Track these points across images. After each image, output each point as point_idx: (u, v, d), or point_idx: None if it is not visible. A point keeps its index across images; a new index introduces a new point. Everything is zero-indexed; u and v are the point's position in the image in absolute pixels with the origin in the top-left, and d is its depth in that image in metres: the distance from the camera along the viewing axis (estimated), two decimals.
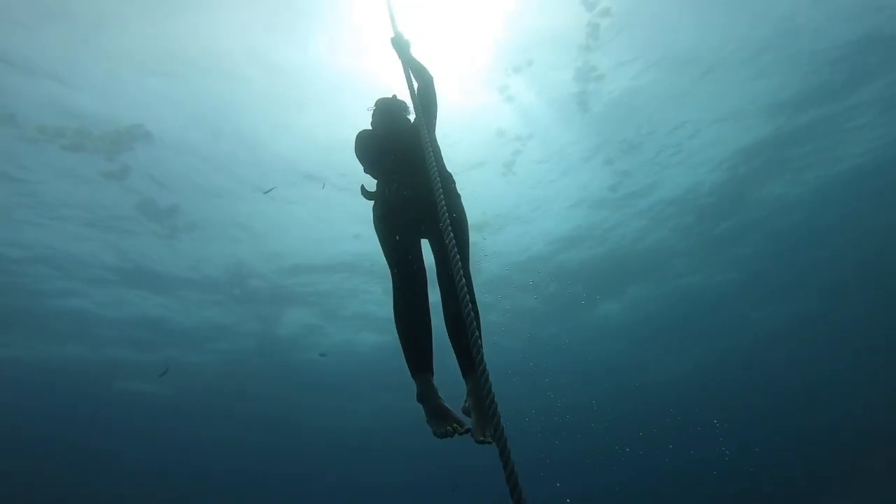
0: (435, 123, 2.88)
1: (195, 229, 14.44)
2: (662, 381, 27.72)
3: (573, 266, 18.67)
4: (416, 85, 2.79)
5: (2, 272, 14.63)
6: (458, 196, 2.74)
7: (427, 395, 2.27)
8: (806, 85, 12.60)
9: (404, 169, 2.63)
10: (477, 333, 1.73)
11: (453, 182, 2.77)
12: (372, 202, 2.74)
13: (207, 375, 21.87)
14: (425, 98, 2.80)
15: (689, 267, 19.81)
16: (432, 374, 2.35)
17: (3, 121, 10.55)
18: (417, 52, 2.96)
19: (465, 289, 1.81)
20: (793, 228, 18.35)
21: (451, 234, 1.90)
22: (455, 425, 2.09)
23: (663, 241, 18.14)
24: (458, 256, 1.87)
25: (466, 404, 2.26)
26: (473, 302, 2.36)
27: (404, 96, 2.91)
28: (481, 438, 2.01)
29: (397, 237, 2.57)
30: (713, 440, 29.74)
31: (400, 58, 2.89)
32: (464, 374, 2.30)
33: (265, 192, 12.43)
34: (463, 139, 13.24)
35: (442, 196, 2.04)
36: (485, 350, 2.40)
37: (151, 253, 14.99)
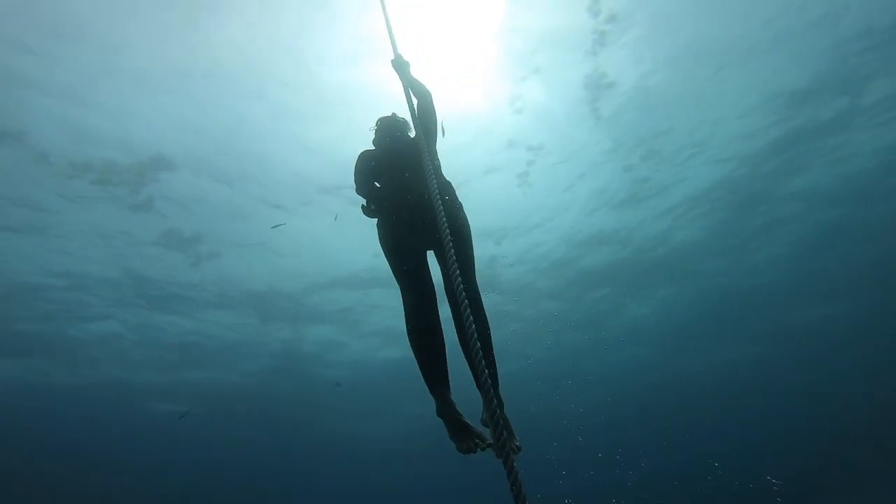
0: (436, 138, 2.99)
1: (218, 256, 14.91)
2: (692, 382, 26.92)
3: (598, 270, 18.49)
4: (415, 102, 2.96)
5: (40, 300, 15.36)
6: (460, 205, 2.79)
7: (445, 410, 2.29)
8: (831, 73, 12.24)
9: (404, 183, 2.71)
10: (478, 346, 1.76)
11: (453, 190, 2.83)
12: (375, 220, 2.81)
13: (233, 395, 22.41)
14: (425, 115, 2.92)
15: (718, 267, 19.30)
16: (449, 389, 2.37)
17: (38, 159, 11.22)
18: (416, 72, 3.15)
19: (467, 301, 1.85)
20: (828, 223, 17.67)
21: (452, 249, 1.95)
22: (477, 441, 2.12)
23: (689, 240, 17.76)
24: (459, 271, 1.91)
25: (484, 416, 2.30)
26: (479, 312, 2.44)
27: (404, 113, 3.10)
28: (502, 456, 2.00)
29: (403, 253, 2.62)
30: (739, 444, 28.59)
31: (400, 78, 3.06)
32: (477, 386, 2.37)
33: (273, 228, 12.82)
34: (475, 148, 13.43)
35: (441, 207, 2.10)
36: (501, 360, 2.43)
37: (178, 278, 15.57)
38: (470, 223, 2.76)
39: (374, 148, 3.08)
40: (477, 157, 13.63)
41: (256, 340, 19.37)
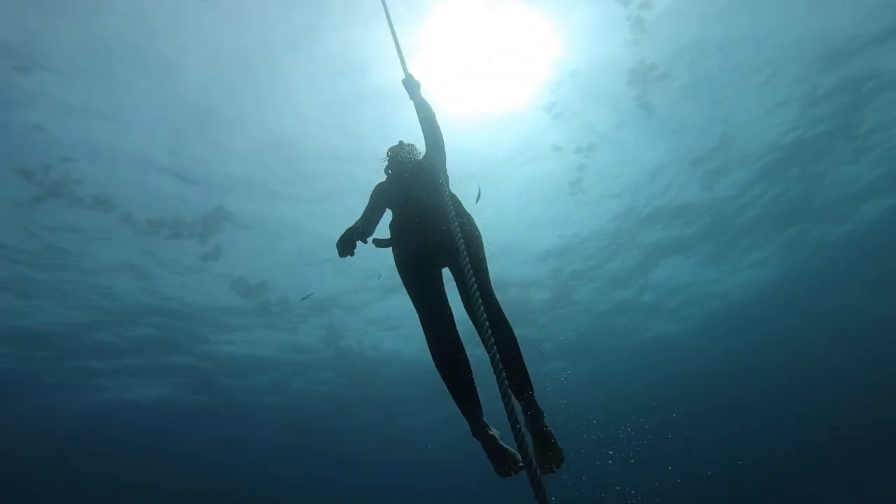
0: (444, 155, 3.20)
1: (285, 303, 15.78)
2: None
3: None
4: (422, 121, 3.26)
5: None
6: (469, 216, 2.91)
7: (480, 432, 2.29)
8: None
9: (414, 203, 2.83)
10: (497, 359, 1.72)
11: (460, 202, 2.97)
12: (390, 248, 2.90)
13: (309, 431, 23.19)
14: (431, 133, 3.18)
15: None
16: (481, 411, 2.35)
17: (122, 219, 12.67)
18: (426, 91, 3.42)
19: (485, 315, 1.84)
20: None
21: (468, 259, 1.99)
22: (513, 465, 2.13)
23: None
24: (476, 281, 1.93)
25: (527, 428, 2.28)
26: (500, 322, 2.43)
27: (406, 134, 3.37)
28: (544, 471, 2.07)
29: (420, 276, 2.68)
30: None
31: (411, 97, 3.35)
32: (516, 397, 2.31)
33: (303, 299, 13.24)
34: (521, 163, 13.31)
35: (453, 212, 2.17)
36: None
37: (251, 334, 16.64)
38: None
39: (385, 178, 3.28)
40: (522, 170, 13.55)
41: (327, 379, 20.06)
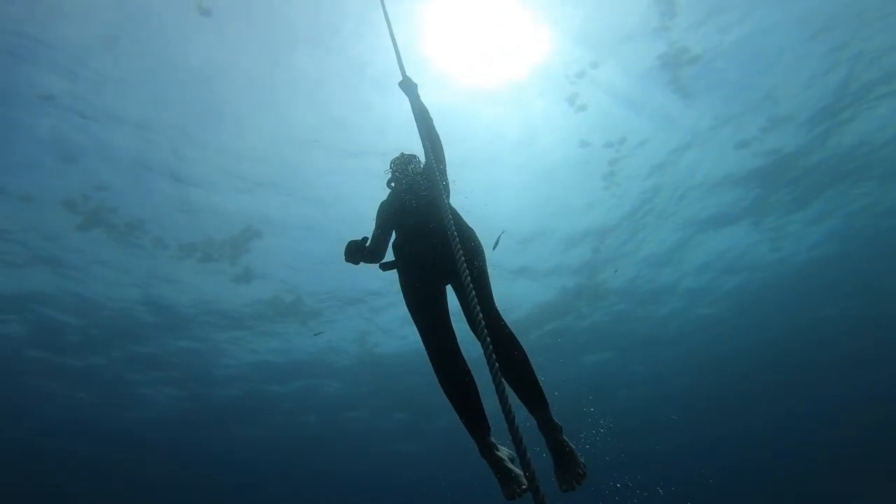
0: (444, 161, 3.12)
1: (321, 315, 15.98)
2: None
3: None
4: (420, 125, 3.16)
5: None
6: (471, 230, 2.87)
7: (485, 453, 2.27)
8: None
9: (416, 216, 2.83)
10: (500, 376, 1.65)
11: (461, 216, 2.93)
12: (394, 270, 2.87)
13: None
14: (430, 139, 3.04)
15: None
16: (489, 431, 2.31)
17: (155, 244, 13.14)
18: (423, 93, 3.35)
19: (486, 331, 1.78)
20: None
21: (466, 271, 1.91)
22: (517, 488, 2.09)
23: None
24: (476, 295, 1.87)
25: (548, 446, 2.26)
26: (506, 338, 2.39)
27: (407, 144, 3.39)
28: (564, 488, 2.06)
29: (424, 296, 2.65)
30: None
31: (408, 98, 3.28)
32: (531, 413, 2.31)
33: (315, 335, 13.14)
34: (549, 161, 12.90)
35: (450, 216, 2.11)
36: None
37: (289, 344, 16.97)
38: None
39: (389, 192, 3.29)
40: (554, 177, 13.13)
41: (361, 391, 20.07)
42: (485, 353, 1.77)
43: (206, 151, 11.43)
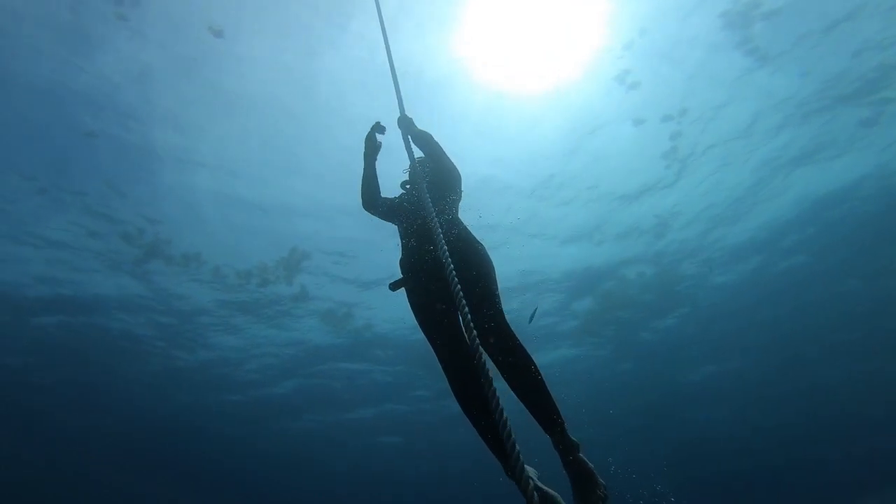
0: (459, 192, 3.17)
1: (370, 328, 16.25)
2: None
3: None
4: (420, 152, 3.25)
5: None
6: (480, 244, 2.74)
7: (511, 474, 2.19)
8: None
9: (418, 239, 2.77)
10: (498, 404, 1.61)
11: (468, 232, 2.82)
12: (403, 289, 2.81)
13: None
14: (440, 169, 3.11)
15: None
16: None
17: (213, 275, 13.83)
18: (419, 125, 3.35)
19: (479, 349, 1.75)
20: None
21: (459, 286, 1.89)
22: None
23: None
24: (472, 314, 1.86)
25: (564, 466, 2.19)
26: (518, 355, 2.31)
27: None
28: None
29: (434, 318, 2.55)
30: None
31: (405, 135, 3.19)
32: (547, 432, 2.24)
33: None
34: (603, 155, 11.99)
35: (441, 232, 2.10)
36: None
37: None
38: None
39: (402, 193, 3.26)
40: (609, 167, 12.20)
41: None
42: (479, 371, 1.70)
43: (247, 174, 11.73)
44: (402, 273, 2.76)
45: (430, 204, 2.31)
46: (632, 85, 10.65)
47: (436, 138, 3.27)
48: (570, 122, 11.39)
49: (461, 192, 3.19)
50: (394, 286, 2.76)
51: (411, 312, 2.69)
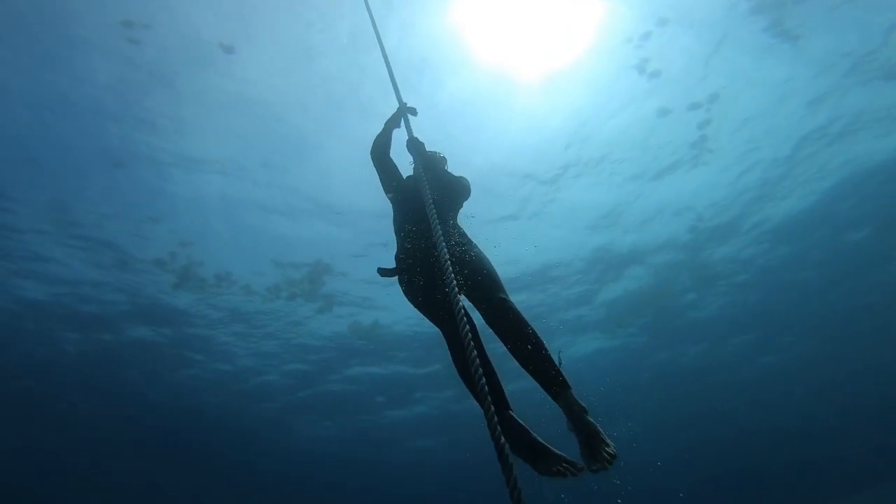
0: (463, 198, 3.23)
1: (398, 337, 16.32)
2: None
3: None
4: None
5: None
6: (475, 245, 2.90)
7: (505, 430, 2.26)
8: None
9: (414, 230, 2.88)
10: (481, 373, 1.73)
11: (468, 238, 2.96)
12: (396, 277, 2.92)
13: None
14: (445, 185, 3.11)
15: None
16: (510, 408, 2.32)
17: (243, 291, 14.12)
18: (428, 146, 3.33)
19: (465, 319, 1.90)
20: None
21: (452, 277, 1.99)
22: (563, 466, 2.04)
23: None
24: (458, 296, 1.94)
25: (569, 425, 2.22)
26: (515, 319, 2.44)
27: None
28: (595, 468, 1.99)
29: (427, 304, 2.68)
30: None
31: (416, 159, 3.14)
32: (555, 400, 2.28)
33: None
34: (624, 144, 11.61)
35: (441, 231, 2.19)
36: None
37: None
38: None
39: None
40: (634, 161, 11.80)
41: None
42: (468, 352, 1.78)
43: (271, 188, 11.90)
44: (397, 264, 2.87)
45: (438, 226, 2.27)
46: (653, 73, 10.23)
47: (447, 162, 3.37)
48: (587, 109, 11.07)
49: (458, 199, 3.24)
50: (384, 273, 2.86)
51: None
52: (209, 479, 27.39)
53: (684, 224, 13.93)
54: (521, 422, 2.24)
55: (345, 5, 9.06)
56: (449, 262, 2.05)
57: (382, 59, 3.55)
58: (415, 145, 3.16)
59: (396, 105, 3.33)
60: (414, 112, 3.36)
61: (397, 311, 15.08)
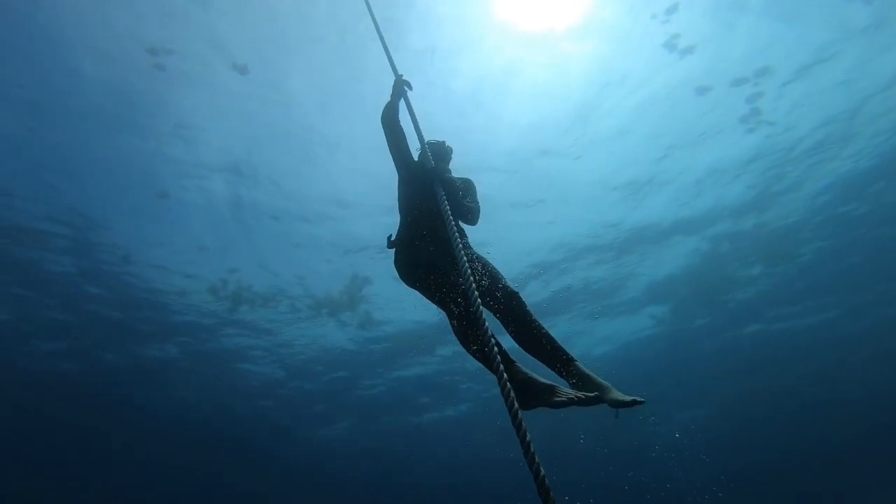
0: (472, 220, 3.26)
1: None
2: None
3: None
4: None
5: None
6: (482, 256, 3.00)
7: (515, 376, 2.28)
8: None
9: (424, 216, 2.95)
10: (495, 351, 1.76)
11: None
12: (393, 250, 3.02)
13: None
14: (466, 211, 3.15)
15: None
16: (513, 361, 2.30)
17: (288, 308, 14.62)
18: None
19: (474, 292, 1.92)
20: None
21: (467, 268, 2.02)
22: (571, 394, 2.06)
23: None
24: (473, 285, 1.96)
25: (573, 382, 2.26)
26: (522, 307, 2.59)
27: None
28: (624, 398, 2.04)
29: (429, 282, 2.72)
30: None
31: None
32: (563, 376, 2.34)
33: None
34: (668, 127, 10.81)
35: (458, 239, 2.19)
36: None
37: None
38: None
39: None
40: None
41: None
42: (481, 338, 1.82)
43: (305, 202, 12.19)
44: (402, 244, 2.95)
45: (457, 238, 2.24)
46: (685, 50, 9.42)
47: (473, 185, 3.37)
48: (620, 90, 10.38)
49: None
50: (391, 244, 2.99)
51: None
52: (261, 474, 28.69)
53: (740, 190, 12.74)
54: (525, 370, 2.25)
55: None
56: (458, 238, 2.17)
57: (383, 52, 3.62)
58: (399, 87, 3.31)
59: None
60: (409, 86, 3.35)
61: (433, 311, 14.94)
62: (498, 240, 12.26)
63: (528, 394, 2.11)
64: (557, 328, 16.33)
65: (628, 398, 2.01)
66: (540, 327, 2.45)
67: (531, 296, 15.48)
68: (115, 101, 9.41)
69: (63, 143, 9.87)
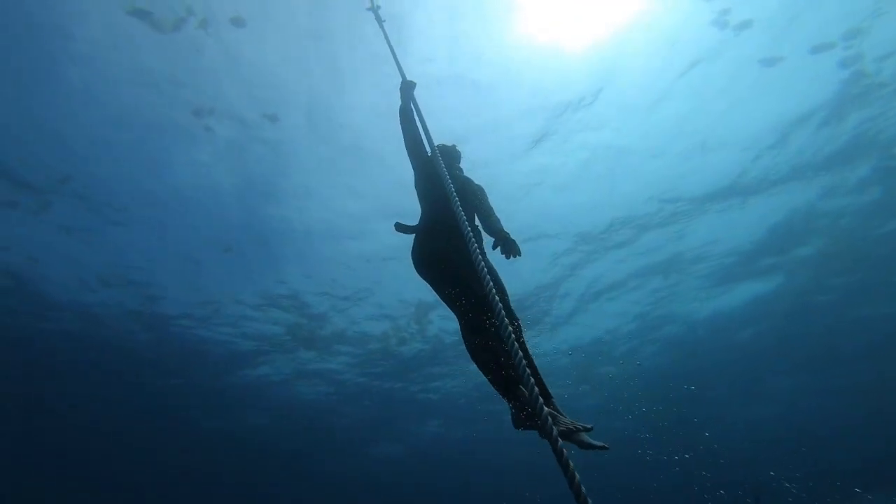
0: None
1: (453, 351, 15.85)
2: None
3: None
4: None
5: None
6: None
7: (520, 424, 2.31)
8: None
9: (446, 219, 2.92)
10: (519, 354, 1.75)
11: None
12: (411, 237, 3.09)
13: None
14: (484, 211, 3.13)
15: None
16: (517, 384, 2.39)
17: (307, 345, 15.10)
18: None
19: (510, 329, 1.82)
20: None
21: (490, 281, 1.94)
22: (569, 423, 2.12)
23: None
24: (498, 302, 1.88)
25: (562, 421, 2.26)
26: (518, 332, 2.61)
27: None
28: (593, 442, 2.08)
29: (448, 282, 2.75)
30: None
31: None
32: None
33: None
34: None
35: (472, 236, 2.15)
36: None
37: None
38: None
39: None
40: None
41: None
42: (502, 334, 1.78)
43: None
44: (420, 228, 3.03)
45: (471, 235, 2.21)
46: (739, 26, 7.88)
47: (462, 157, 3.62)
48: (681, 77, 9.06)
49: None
50: (401, 228, 3.06)
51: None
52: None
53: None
54: (560, 411, 2.28)
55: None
56: (473, 239, 2.12)
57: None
58: (406, 88, 3.50)
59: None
60: (413, 85, 3.53)
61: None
62: None
63: (528, 415, 2.19)
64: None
65: (597, 443, 2.05)
66: (531, 358, 2.46)
67: None
68: None
69: None
